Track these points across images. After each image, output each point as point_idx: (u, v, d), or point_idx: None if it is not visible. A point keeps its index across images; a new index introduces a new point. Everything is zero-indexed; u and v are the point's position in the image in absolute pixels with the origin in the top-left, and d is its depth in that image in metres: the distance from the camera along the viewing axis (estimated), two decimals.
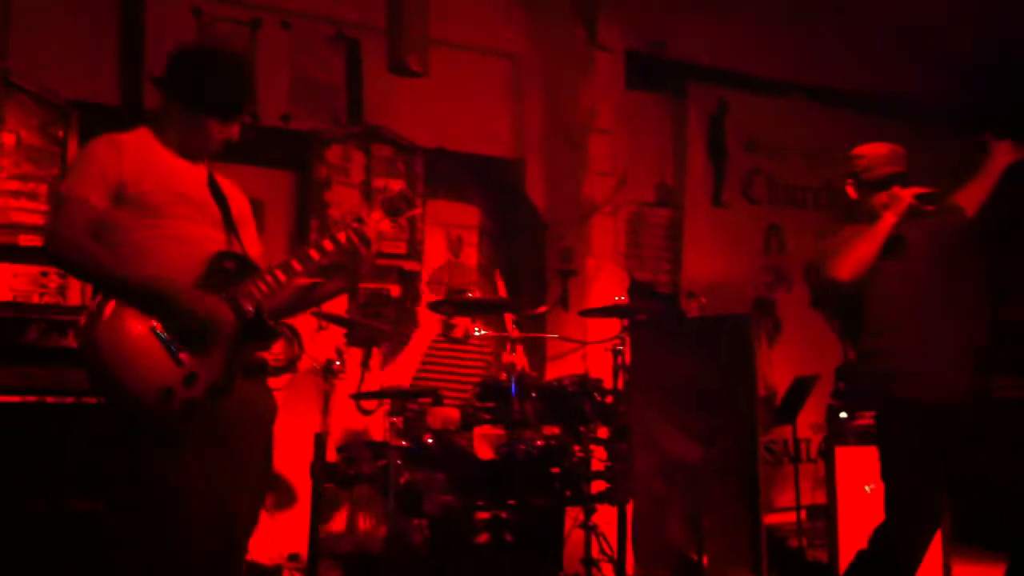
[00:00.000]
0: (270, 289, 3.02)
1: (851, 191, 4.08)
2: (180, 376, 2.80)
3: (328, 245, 3.13)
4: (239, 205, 3.23)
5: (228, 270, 3.01)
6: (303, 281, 3.18)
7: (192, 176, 3.11)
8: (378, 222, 3.23)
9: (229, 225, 3.12)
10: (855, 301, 3.96)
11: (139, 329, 2.80)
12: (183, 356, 2.82)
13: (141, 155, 3.02)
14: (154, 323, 2.82)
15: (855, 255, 3.85)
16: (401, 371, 5.23)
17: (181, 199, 3.02)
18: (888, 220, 3.87)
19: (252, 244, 3.22)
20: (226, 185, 3.22)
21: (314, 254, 3.10)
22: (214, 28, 5.68)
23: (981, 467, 3.79)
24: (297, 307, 3.37)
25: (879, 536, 3.81)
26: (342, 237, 3.15)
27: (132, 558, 2.84)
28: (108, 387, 2.78)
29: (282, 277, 3.05)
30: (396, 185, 6.07)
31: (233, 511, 2.97)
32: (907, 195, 3.87)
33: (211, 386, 2.86)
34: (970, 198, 4.00)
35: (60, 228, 2.91)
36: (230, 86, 3.13)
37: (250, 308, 2.96)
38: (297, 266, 3.07)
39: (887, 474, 3.85)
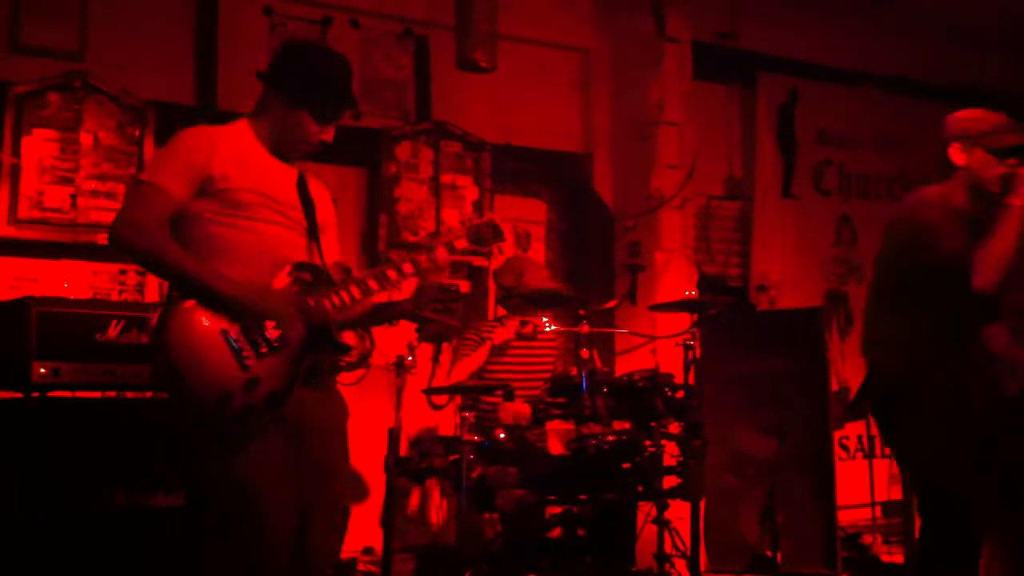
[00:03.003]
0: (343, 304, 3.02)
1: (958, 156, 3.55)
2: (242, 381, 2.80)
3: (408, 268, 3.14)
4: (325, 210, 3.22)
5: (304, 281, 3.00)
6: (379, 298, 3.16)
7: (283, 176, 3.10)
8: (461, 251, 3.26)
9: (312, 231, 3.11)
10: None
11: (208, 330, 2.81)
12: (249, 362, 2.83)
13: (235, 150, 3.01)
14: (225, 325, 2.83)
15: (996, 260, 3.34)
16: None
17: (269, 200, 3.01)
18: (1018, 207, 3.37)
19: (331, 249, 3.22)
20: (315, 188, 3.20)
21: (392, 274, 3.11)
22: (285, 27, 5.75)
23: None
24: (369, 323, 3.42)
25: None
26: (424, 260, 3.16)
27: (210, 555, 2.90)
28: (171, 385, 2.80)
29: (357, 294, 3.05)
30: (463, 182, 6.11)
31: (310, 513, 2.98)
32: None
33: (271, 393, 2.85)
34: None
35: (130, 212, 2.91)
36: (334, 85, 3.11)
37: (321, 321, 2.96)
38: (374, 285, 3.08)
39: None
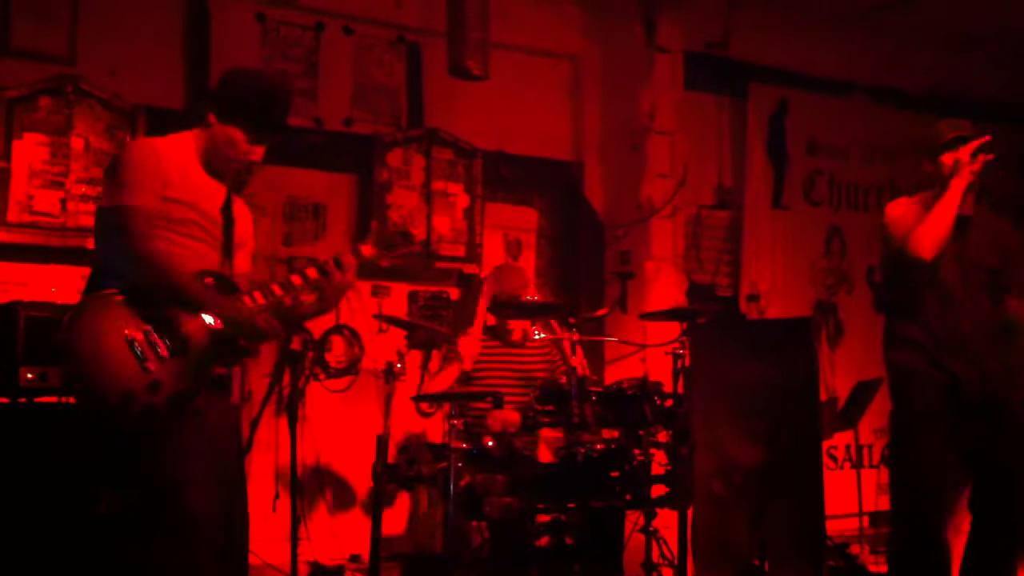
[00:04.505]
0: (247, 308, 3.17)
1: (925, 165, 4.13)
2: (144, 383, 2.94)
3: (312, 273, 3.30)
4: (244, 228, 3.39)
5: (208, 287, 3.13)
6: (286, 301, 3.31)
7: (213, 193, 3.25)
8: (368, 257, 3.45)
9: (227, 248, 3.27)
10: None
11: (112, 334, 2.95)
12: (150, 365, 2.96)
13: (178, 163, 3.17)
14: (128, 331, 2.96)
15: (933, 229, 3.88)
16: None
17: (199, 215, 3.18)
18: (958, 187, 3.91)
19: (243, 264, 3.38)
20: (238, 207, 3.36)
21: (296, 280, 3.28)
22: (278, 33, 5.75)
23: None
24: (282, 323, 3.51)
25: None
26: (314, 272, 3.32)
27: (134, 558, 3.01)
28: (76, 385, 2.99)
29: (260, 299, 3.20)
30: (454, 189, 6.12)
31: (230, 510, 3.20)
32: (965, 156, 3.92)
33: (174, 394, 2.98)
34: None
35: (137, 246, 3.04)
36: (264, 104, 3.24)
37: (220, 325, 3.09)
38: (278, 291, 3.24)
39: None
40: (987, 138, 3.95)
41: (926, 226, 3.90)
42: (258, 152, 3.25)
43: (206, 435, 3.09)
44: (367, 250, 3.45)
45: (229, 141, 3.20)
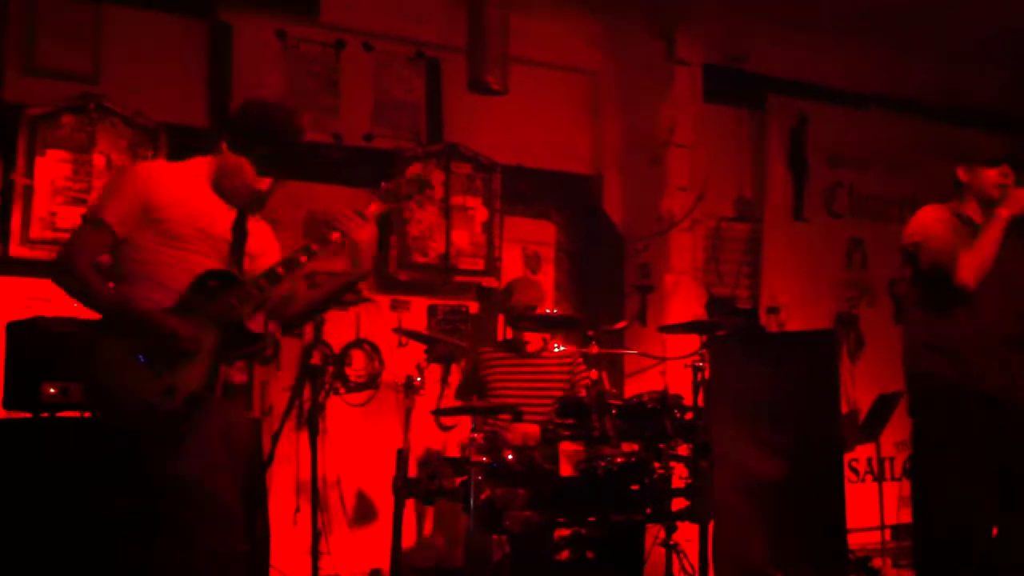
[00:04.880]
0: (253, 298, 3.26)
1: (962, 173, 4.11)
2: (159, 390, 3.07)
3: (315, 247, 3.33)
4: (259, 241, 3.45)
5: (211, 287, 3.22)
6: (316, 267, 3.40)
7: (219, 213, 3.33)
8: (376, 212, 3.45)
9: (235, 254, 3.34)
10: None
11: (123, 352, 3.09)
12: (163, 372, 3.09)
13: (177, 186, 3.27)
14: (137, 347, 3.09)
15: (981, 259, 3.86)
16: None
17: (201, 234, 3.26)
18: (1006, 215, 3.90)
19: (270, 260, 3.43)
20: (253, 224, 3.43)
21: (302, 258, 3.31)
22: (298, 50, 5.79)
23: None
24: (315, 306, 3.64)
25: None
26: (335, 236, 3.36)
27: (167, 558, 3.07)
28: (99, 403, 3.18)
29: (265, 285, 3.28)
30: (473, 203, 6.14)
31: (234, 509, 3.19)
32: (1011, 182, 3.96)
33: (189, 396, 3.11)
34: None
35: (67, 256, 3.21)
36: (272, 140, 3.31)
37: (230, 317, 3.20)
38: (281, 271, 3.30)
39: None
40: None
41: (974, 255, 3.86)
42: (264, 183, 3.32)
43: (223, 437, 3.20)
44: (375, 207, 3.45)
45: (237, 170, 3.30)
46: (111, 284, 3.21)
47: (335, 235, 3.36)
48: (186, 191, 3.28)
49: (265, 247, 3.48)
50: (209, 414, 3.15)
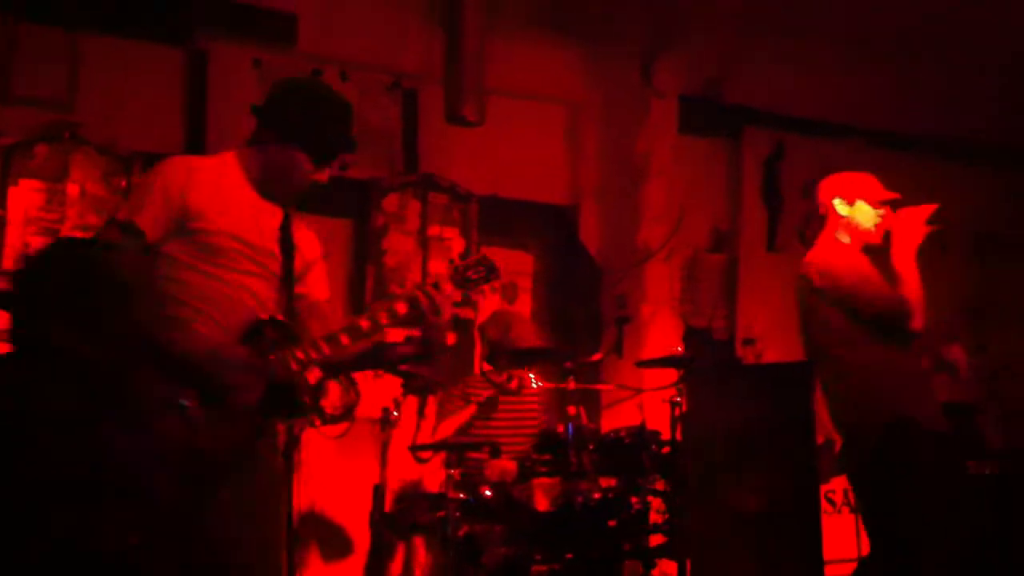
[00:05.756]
0: (310, 361, 2.91)
1: (842, 207, 4.17)
2: (189, 451, 2.69)
3: (383, 320, 2.98)
4: (309, 250, 3.11)
5: (267, 338, 2.87)
6: (366, 342, 3.04)
7: (265, 219, 2.97)
8: (451, 292, 3.12)
9: (288, 280, 2.97)
10: None
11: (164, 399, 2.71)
12: (200, 429, 2.71)
13: (215, 186, 2.90)
14: (176, 393, 2.72)
15: (922, 299, 3.86)
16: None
17: (245, 246, 2.90)
18: (913, 250, 3.92)
19: (319, 286, 3.13)
20: (299, 230, 3.08)
21: (364, 324, 2.96)
22: (274, 79, 5.76)
23: None
24: (363, 366, 3.38)
25: None
26: (403, 307, 3.00)
27: None
28: None
29: (326, 350, 2.93)
30: (450, 233, 6.12)
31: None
32: (916, 222, 3.96)
33: (230, 447, 2.76)
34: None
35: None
36: (334, 126, 3.02)
37: (284, 379, 2.85)
38: (344, 339, 2.93)
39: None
40: (937, 206, 4.00)
41: (917, 300, 3.84)
42: (324, 174, 3.00)
43: (254, 493, 2.87)
44: (449, 287, 3.10)
45: (291, 165, 2.95)
46: None
47: (404, 310, 2.99)
48: (225, 191, 2.90)
49: (311, 257, 3.11)
50: (238, 471, 2.80)
